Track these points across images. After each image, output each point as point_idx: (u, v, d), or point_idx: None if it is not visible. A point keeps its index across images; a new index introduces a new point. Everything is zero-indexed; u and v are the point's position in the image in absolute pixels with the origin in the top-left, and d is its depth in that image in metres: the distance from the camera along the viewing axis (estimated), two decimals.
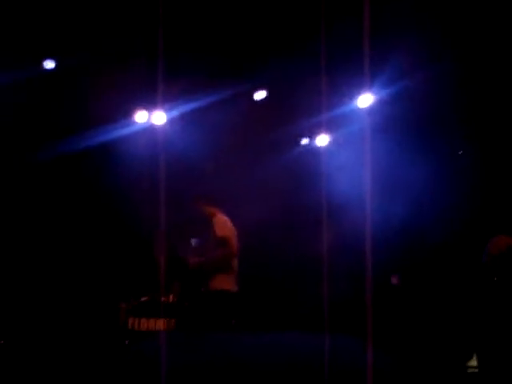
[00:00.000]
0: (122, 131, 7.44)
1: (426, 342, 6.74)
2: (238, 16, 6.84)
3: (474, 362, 6.15)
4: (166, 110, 7.52)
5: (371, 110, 7.27)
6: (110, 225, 7.30)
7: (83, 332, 6.32)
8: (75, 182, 7.41)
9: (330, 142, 7.75)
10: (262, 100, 7.60)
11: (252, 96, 7.60)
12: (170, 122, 7.59)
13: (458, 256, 7.13)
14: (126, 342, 5.98)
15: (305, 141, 7.91)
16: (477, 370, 5.93)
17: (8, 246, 6.90)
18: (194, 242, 6.45)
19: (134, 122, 7.57)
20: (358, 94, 7.31)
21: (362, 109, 7.29)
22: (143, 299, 6.22)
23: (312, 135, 7.85)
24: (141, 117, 7.54)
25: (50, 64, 6.85)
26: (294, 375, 3.93)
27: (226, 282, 5.82)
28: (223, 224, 5.90)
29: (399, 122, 7.29)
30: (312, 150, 7.83)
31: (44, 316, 6.66)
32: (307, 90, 7.17)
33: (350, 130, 7.34)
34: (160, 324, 6.13)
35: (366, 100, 7.35)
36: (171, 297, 6.30)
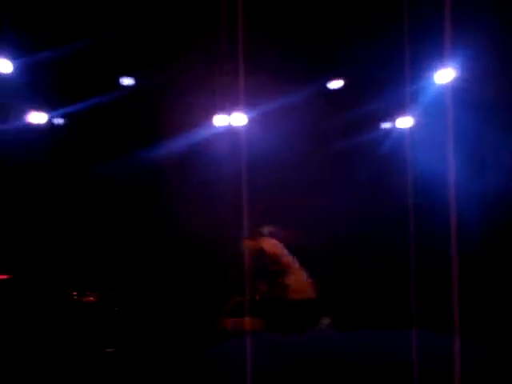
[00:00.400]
0: (202, 135, 7.59)
1: None
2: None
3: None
4: (245, 112, 7.62)
5: (455, 87, 6.99)
6: (195, 228, 7.48)
7: (181, 333, 6.52)
8: (159, 188, 7.66)
9: (413, 124, 7.52)
10: (340, 88, 7.49)
11: (330, 86, 7.50)
12: (250, 122, 7.65)
13: None
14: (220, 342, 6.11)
15: (387, 124, 7.72)
16: None
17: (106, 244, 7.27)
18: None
19: (215, 126, 7.69)
20: (440, 69, 7.04)
21: (445, 85, 7.03)
22: (236, 300, 6.32)
23: (394, 117, 7.65)
24: (220, 120, 7.66)
25: (128, 81, 7.11)
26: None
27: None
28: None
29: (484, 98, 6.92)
30: (395, 133, 7.65)
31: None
32: (387, 70, 7.04)
33: (433, 108, 7.10)
34: (249, 323, 6.20)
35: (447, 76, 7.08)
36: (257, 296, 6.37)
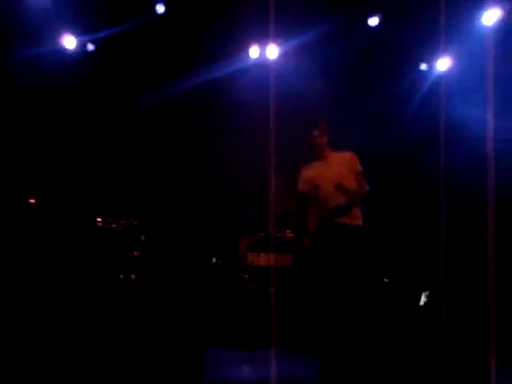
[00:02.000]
0: (235, 66, 7.49)
1: None
2: None
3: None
4: (278, 44, 7.47)
5: (497, 29, 6.71)
6: (224, 162, 7.49)
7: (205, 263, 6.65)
8: (190, 121, 7.65)
9: (450, 66, 7.27)
10: (376, 26, 7.23)
11: (366, 24, 7.25)
12: (284, 55, 7.52)
13: None
14: (246, 276, 6.23)
15: (424, 66, 7.48)
16: None
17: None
18: None
19: (248, 57, 7.58)
20: (481, 11, 6.75)
21: (487, 27, 6.76)
22: (261, 235, 6.39)
23: (432, 59, 7.40)
24: (254, 52, 7.54)
25: (161, 8, 6.97)
26: None
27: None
28: None
29: None
30: (432, 76, 7.42)
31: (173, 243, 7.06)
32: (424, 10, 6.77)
33: (473, 51, 6.84)
34: (278, 259, 6.29)
35: (492, 16, 6.79)
36: (287, 233, 6.42)
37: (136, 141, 7.60)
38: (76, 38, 7.08)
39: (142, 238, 6.55)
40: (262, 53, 7.52)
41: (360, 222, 4.84)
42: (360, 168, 4.97)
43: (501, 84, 6.58)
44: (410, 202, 7.50)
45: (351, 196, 4.72)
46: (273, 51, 7.49)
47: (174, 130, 7.69)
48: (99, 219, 6.39)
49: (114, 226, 6.32)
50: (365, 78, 7.44)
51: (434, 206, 5.67)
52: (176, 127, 7.70)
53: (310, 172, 5.04)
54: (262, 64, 7.53)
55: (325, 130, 5.07)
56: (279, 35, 7.41)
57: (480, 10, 6.82)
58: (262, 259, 6.33)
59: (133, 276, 6.13)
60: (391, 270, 6.93)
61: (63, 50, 7.07)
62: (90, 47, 7.25)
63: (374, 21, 7.15)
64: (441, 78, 7.24)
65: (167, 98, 7.43)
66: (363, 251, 4.90)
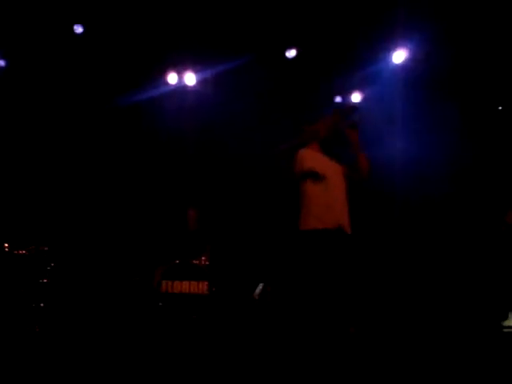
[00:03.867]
0: (153, 92, 7.45)
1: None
2: None
3: (510, 322, 6.15)
4: (196, 72, 7.53)
5: (405, 67, 7.11)
6: (142, 189, 7.40)
7: (118, 293, 6.48)
8: (107, 145, 7.50)
9: (363, 100, 7.58)
10: (293, 59, 7.43)
11: (283, 56, 7.42)
12: (201, 83, 7.58)
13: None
14: (160, 303, 6.12)
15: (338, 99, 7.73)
16: None
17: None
18: None
19: (166, 84, 7.58)
20: (392, 50, 7.14)
21: (396, 65, 7.15)
22: (175, 262, 6.31)
23: (345, 93, 7.67)
24: (172, 78, 7.54)
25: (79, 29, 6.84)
26: None
27: None
28: None
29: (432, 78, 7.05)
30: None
31: (81, 276, 6.84)
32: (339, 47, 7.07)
33: (383, 86, 7.21)
34: (193, 286, 6.23)
35: (400, 56, 7.19)
36: (203, 259, 6.38)
37: (49, 167, 7.35)
38: None
39: (52, 264, 6.28)
40: (181, 79, 7.55)
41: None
42: None
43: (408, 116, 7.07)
44: None
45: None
46: (191, 78, 7.55)
47: (90, 160, 7.50)
48: (6, 244, 6.08)
49: (23, 251, 6.03)
50: (278, 109, 7.57)
51: None
52: (92, 158, 7.52)
53: (317, 156, 4.39)
54: (181, 90, 7.57)
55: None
56: (197, 63, 7.49)
57: (390, 50, 7.21)
58: (176, 286, 6.25)
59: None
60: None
61: None
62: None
63: (291, 53, 7.33)
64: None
65: (85, 126, 7.30)
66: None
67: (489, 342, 5.77)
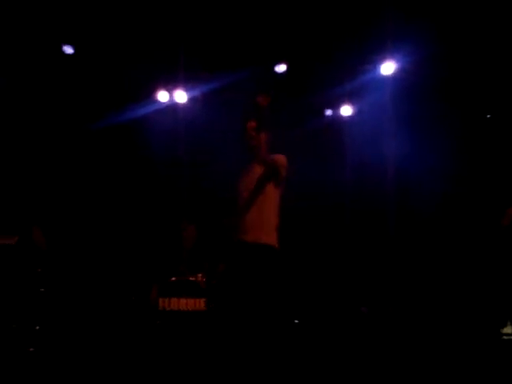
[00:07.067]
0: (144, 110, 7.46)
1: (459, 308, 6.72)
2: None
3: (509, 330, 6.15)
4: (187, 90, 7.55)
5: (394, 78, 7.15)
6: (137, 206, 7.38)
7: (116, 311, 6.41)
8: (101, 163, 7.47)
9: (353, 112, 7.61)
10: (283, 73, 7.45)
11: (273, 71, 7.45)
12: (192, 100, 7.60)
13: None
14: (158, 321, 6.06)
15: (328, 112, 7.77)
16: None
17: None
18: None
19: (157, 101, 7.59)
20: (381, 62, 7.18)
21: (385, 76, 7.19)
22: (172, 279, 6.26)
23: (335, 106, 7.71)
24: (163, 96, 7.56)
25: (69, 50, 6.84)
26: None
27: None
28: None
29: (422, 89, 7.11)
30: (335, 121, 7.73)
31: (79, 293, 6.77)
32: (329, 60, 7.12)
33: (373, 98, 7.25)
34: (190, 303, 6.18)
35: (388, 68, 7.23)
36: (199, 276, 6.33)
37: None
38: None
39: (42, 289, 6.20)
40: (171, 97, 7.57)
41: (274, 242, 4.02)
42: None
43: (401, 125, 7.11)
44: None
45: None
46: (181, 96, 7.57)
47: (86, 179, 7.46)
48: None
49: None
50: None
51: None
52: (87, 176, 7.48)
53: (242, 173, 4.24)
54: (172, 108, 7.58)
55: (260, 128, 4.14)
56: (188, 81, 7.52)
57: (379, 62, 7.26)
58: (174, 304, 6.20)
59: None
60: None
61: None
62: None
63: (281, 68, 7.36)
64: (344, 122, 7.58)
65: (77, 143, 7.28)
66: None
67: (488, 349, 5.77)
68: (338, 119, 7.69)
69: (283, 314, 5.87)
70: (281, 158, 4.14)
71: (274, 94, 4.19)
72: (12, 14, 6.43)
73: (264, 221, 4.07)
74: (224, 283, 4.12)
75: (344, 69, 7.27)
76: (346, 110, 7.64)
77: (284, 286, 4.06)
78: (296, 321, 6.91)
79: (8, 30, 6.54)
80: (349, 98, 7.52)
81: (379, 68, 7.29)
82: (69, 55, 6.88)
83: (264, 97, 4.06)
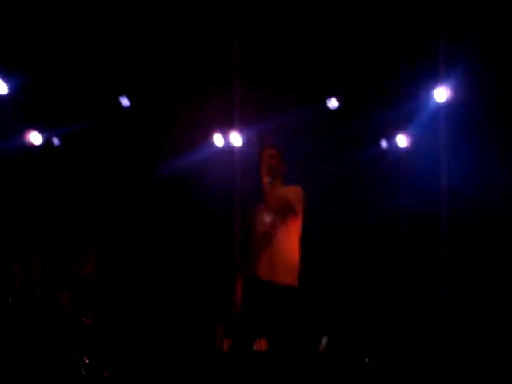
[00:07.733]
0: (201, 155, 7.58)
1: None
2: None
3: None
4: (241, 132, 7.60)
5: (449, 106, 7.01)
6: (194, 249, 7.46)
7: (178, 357, 6.45)
8: (154, 210, 7.62)
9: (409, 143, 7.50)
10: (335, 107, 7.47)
11: (325, 104, 7.47)
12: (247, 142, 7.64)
13: None
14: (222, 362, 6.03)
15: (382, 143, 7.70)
16: None
17: None
18: None
19: (213, 145, 7.70)
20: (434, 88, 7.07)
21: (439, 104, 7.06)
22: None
23: (390, 136, 7.63)
24: (218, 139, 7.67)
25: (125, 101, 7.08)
26: None
27: None
28: None
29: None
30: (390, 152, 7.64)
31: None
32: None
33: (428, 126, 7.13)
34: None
35: (442, 94, 7.10)
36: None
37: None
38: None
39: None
40: (226, 140, 7.66)
41: (293, 281, 4.05)
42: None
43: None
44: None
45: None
46: (236, 138, 7.62)
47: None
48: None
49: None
50: (327, 154, 7.58)
51: None
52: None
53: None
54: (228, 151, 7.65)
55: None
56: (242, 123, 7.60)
57: (432, 88, 7.15)
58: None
59: None
60: None
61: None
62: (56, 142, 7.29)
63: (333, 103, 7.38)
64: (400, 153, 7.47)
65: (133, 192, 7.45)
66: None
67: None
68: (393, 149, 7.59)
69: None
70: (293, 192, 4.15)
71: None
72: None
73: (282, 258, 4.07)
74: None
75: (397, 96, 7.19)
76: (402, 140, 7.53)
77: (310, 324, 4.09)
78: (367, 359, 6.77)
79: None
80: (403, 126, 7.41)
81: (433, 94, 7.18)
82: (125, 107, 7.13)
83: (270, 151, 4.15)
